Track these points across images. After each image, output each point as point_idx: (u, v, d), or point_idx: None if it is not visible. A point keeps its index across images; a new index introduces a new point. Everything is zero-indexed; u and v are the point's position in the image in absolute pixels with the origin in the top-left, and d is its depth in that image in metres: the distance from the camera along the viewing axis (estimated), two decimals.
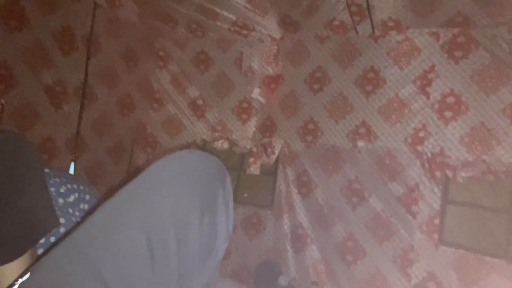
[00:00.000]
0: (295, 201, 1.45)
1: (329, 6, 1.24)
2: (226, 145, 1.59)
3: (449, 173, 1.20)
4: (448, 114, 1.21)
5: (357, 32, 1.30)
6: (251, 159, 1.52)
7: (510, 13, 1.05)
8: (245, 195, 1.56)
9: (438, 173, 1.22)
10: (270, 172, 1.53)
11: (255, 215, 1.52)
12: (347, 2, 1.18)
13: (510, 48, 1.10)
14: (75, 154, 1.35)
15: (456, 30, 1.19)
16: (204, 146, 1.61)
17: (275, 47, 1.51)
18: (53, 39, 1.27)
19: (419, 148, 1.25)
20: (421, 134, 1.25)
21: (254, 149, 1.53)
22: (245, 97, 1.55)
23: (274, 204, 1.50)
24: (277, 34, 1.49)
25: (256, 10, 1.37)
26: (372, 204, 1.32)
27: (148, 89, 1.67)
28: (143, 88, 1.64)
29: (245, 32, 1.49)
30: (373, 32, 1.28)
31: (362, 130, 1.34)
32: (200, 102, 1.63)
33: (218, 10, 1.39)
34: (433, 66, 1.23)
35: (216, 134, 1.59)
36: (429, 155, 1.24)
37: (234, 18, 1.42)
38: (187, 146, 1.61)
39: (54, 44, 1.27)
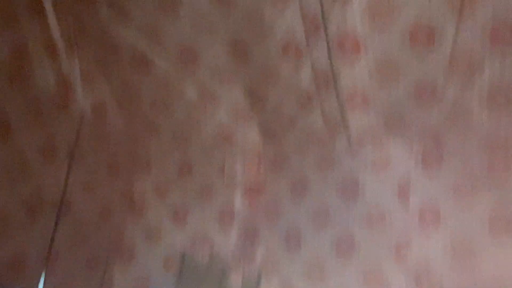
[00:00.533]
0: None
1: (304, 118, 1.32)
2: (206, 258, 1.51)
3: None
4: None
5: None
6: (232, 273, 1.46)
7: None
8: None
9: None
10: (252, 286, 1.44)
11: None
12: (323, 116, 1.27)
13: None
14: (46, 269, 1.29)
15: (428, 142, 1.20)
16: (183, 260, 1.53)
17: (257, 156, 1.51)
18: (35, 151, 1.26)
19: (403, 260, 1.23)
20: (403, 245, 1.24)
21: (235, 262, 1.48)
22: (228, 205, 1.52)
23: None
24: (259, 144, 1.50)
25: (239, 121, 1.44)
26: None
27: (129, 198, 1.61)
28: (124, 197, 1.60)
29: (227, 141, 1.51)
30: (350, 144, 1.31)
31: (345, 241, 1.31)
32: (181, 211, 1.58)
33: (201, 122, 1.46)
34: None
35: (196, 246, 1.53)
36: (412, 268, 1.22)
37: (217, 129, 1.48)
38: (166, 259, 1.53)
39: (36, 156, 1.26)
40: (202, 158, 1.58)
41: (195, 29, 1.25)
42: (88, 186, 1.47)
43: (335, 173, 1.35)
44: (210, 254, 1.53)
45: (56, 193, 1.34)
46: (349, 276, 1.30)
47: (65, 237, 1.35)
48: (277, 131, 1.43)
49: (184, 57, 1.33)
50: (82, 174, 1.42)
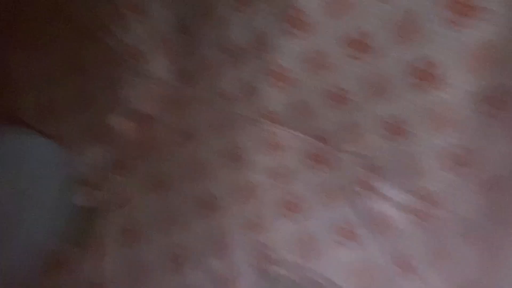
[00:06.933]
0: None
1: (224, 72, 1.28)
2: None
3: (267, 267, 1.26)
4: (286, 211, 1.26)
5: None
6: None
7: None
8: None
9: (259, 264, 1.27)
10: None
11: None
12: (241, 76, 1.25)
13: None
14: None
15: (317, 143, 1.25)
16: None
17: (159, 89, 1.41)
18: None
19: (251, 234, 1.28)
20: (257, 221, 1.28)
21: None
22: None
23: None
24: (167, 79, 1.41)
25: (154, 47, 1.35)
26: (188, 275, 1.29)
27: None
28: None
29: (132, 61, 1.39)
30: None
31: (208, 201, 1.32)
32: None
33: (111, 27, 1.34)
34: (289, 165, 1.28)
35: None
36: (257, 244, 1.27)
37: (131, 42, 1.35)
38: None
39: None
40: (101, 62, 1.43)
41: None
42: None
43: (226, 135, 1.34)
44: None
45: None
46: (198, 234, 1.34)
47: None
48: (192, 74, 1.37)
49: None
50: None
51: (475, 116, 0.99)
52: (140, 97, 1.44)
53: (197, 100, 1.37)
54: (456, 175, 1.05)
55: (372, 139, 1.15)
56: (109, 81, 1.46)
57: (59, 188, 1.38)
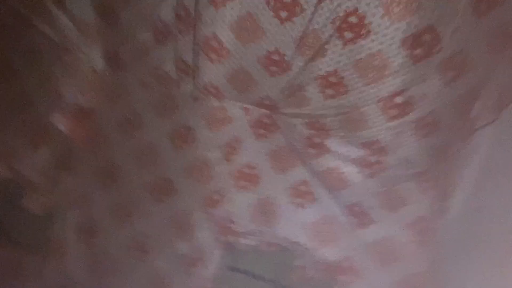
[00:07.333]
0: None
1: (157, 53, 1.26)
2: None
3: (232, 239, 1.29)
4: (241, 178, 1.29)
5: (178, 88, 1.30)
6: None
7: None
8: None
9: (223, 238, 1.29)
10: None
11: None
12: (175, 55, 1.22)
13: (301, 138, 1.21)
14: None
15: (263, 111, 1.25)
16: None
17: (95, 79, 1.38)
18: None
19: (212, 211, 1.30)
20: (216, 197, 1.30)
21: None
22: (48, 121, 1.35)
23: None
24: (100, 68, 1.38)
25: (84, 37, 1.30)
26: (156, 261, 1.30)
27: None
28: None
29: (66, 57, 1.34)
30: (194, 92, 1.29)
31: (163, 186, 1.31)
32: None
33: (36, 22, 1.27)
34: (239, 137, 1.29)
35: None
36: (219, 219, 1.29)
37: (56, 38, 1.30)
38: None
39: None
40: (28, 61, 1.38)
41: None
42: None
43: (171, 117, 1.33)
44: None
45: None
46: (159, 219, 1.32)
47: None
48: (123, 58, 1.32)
49: None
50: None
51: (407, 61, 1.01)
52: (77, 91, 1.39)
53: (135, 86, 1.33)
54: (396, 121, 1.08)
55: (315, 98, 1.16)
56: (42, 79, 1.39)
57: None
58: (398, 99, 1.05)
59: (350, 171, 1.18)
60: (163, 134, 1.34)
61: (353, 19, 1.00)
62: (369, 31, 0.99)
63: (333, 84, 1.10)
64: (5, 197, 1.38)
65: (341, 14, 1.00)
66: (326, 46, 1.05)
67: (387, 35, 0.98)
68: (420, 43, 0.98)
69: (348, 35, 1.02)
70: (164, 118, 1.33)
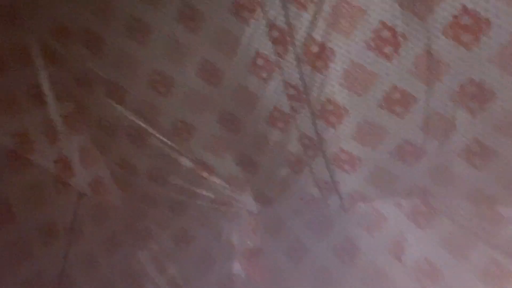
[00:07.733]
0: None
1: (297, 182, 1.36)
2: None
3: None
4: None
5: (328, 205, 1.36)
6: None
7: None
8: None
9: None
10: None
11: None
12: (313, 179, 1.31)
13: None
14: None
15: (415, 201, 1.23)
16: None
17: (253, 221, 1.53)
18: (36, 230, 1.31)
19: None
20: None
21: None
22: (227, 272, 1.51)
23: None
24: (254, 209, 1.53)
25: (234, 189, 1.49)
26: None
27: (129, 271, 1.61)
28: (124, 271, 1.60)
29: (224, 208, 1.56)
30: (342, 203, 1.34)
31: None
32: (179, 281, 1.60)
33: (198, 191, 1.51)
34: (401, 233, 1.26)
35: None
36: None
37: (213, 196, 1.52)
38: None
39: (36, 237, 1.32)
40: (199, 226, 1.60)
41: (188, 105, 1.34)
42: (88, 261, 1.49)
43: (330, 233, 1.37)
44: None
45: (56, 269, 1.36)
46: None
47: None
48: (270, 196, 1.47)
49: (179, 130, 1.40)
50: (82, 249, 1.45)
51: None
52: (243, 235, 1.54)
53: (288, 216, 1.43)
54: None
55: (465, 172, 1.10)
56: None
57: None
58: None
59: None
60: (328, 251, 1.37)
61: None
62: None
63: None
64: None
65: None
66: (455, 122, 1.03)
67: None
68: None
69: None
70: (324, 237, 1.38)
